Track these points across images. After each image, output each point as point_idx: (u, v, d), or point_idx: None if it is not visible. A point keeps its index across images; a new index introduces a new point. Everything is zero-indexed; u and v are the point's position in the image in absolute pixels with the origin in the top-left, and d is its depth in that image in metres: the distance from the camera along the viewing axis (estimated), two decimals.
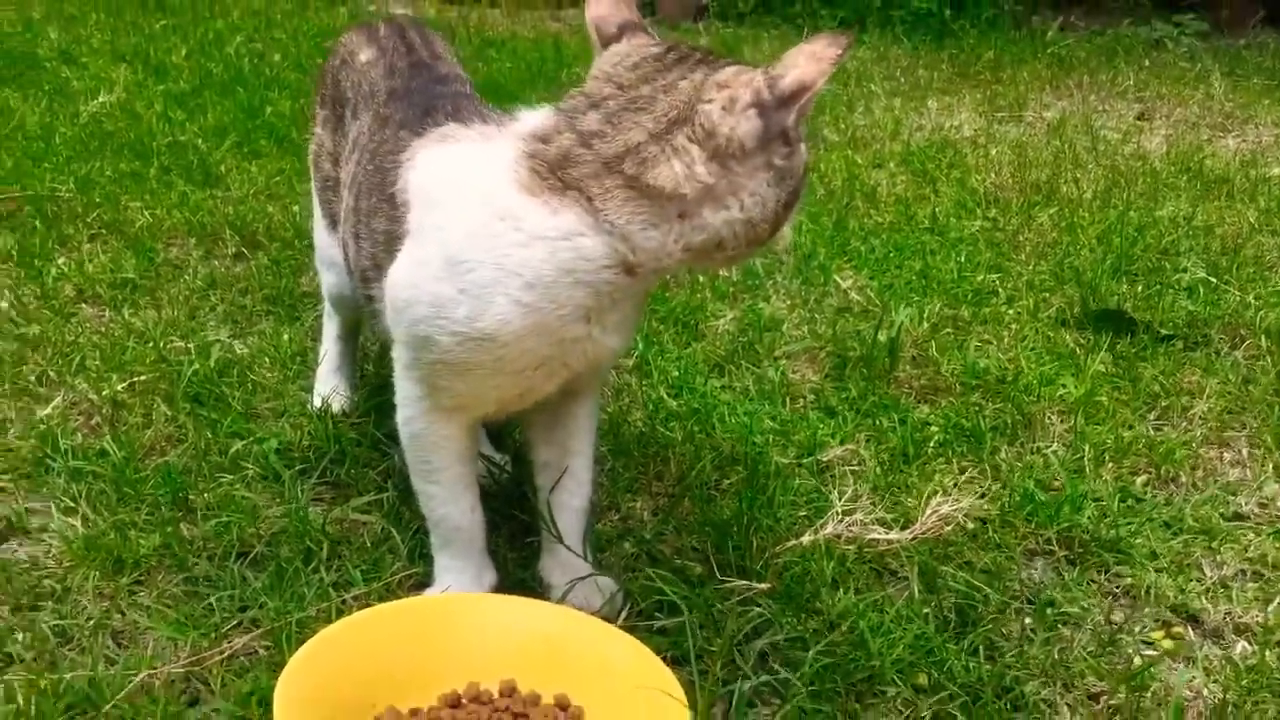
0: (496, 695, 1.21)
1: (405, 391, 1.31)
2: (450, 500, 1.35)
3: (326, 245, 1.69)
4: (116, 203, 2.73)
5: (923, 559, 1.45)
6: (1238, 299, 2.43)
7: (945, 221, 2.96)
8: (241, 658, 1.27)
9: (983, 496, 1.63)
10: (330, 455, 1.65)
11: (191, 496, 1.54)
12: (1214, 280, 2.52)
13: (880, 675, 1.27)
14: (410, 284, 1.22)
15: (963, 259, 2.65)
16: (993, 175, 3.41)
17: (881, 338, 2.06)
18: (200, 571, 1.39)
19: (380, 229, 1.33)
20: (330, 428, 1.69)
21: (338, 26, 5.24)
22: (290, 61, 4.55)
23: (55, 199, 2.72)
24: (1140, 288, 2.49)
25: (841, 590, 1.39)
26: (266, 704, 1.17)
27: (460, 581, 1.35)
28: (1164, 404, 1.98)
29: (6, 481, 1.58)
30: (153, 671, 1.22)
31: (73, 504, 1.51)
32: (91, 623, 1.30)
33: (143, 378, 1.87)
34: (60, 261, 2.39)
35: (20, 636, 1.28)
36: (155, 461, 1.62)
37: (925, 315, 2.26)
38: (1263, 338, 2.21)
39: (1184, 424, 1.91)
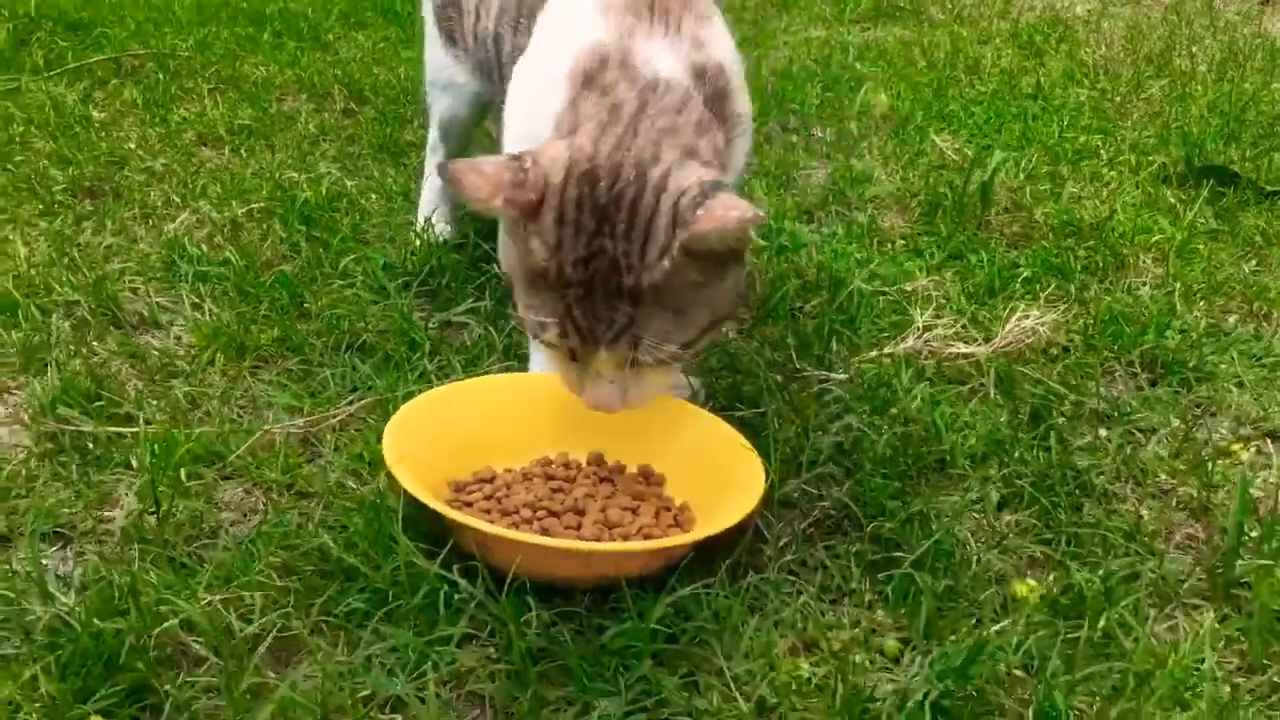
0: (585, 464, 1.29)
1: None
2: None
3: (442, 67, 1.75)
4: (233, 60, 2.84)
5: (1001, 367, 1.48)
6: None
7: (1050, 91, 2.90)
8: (352, 428, 1.38)
9: (1066, 317, 1.64)
10: (430, 267, 1.73)
11: (305, 299, 1.65)
12: None
13: (951, 462, 1.31)
14: None
15: (1065, 123, 2.60)
16: (1103, 49, 3.31)
17: (974, 184, 2.06)
18: (314, 356, 1.50)
19: None
20: (433, 243, 1.78)
21: None
22: None
23: (176, 56, 2.85)
24: (1248, 149, 2.42)
25: (918, 392, 1.43)
26: (375, 463, 1.27)
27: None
28: (1263, 252, 1.95)
29: (139, 283, 1.70)
30: (273, 429, 1.33)
31: (199, 300, 1.63)
32: (218, 393, 1.42)
33: (260, 204, 1.98)
34: (181, 111, 2.51)
35: (155, 403, 1.40)
36: (273, 271, 1.73)
37: (1021, 166, 2.24)
38: None
39: None
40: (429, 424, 1.24)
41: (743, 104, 1.32)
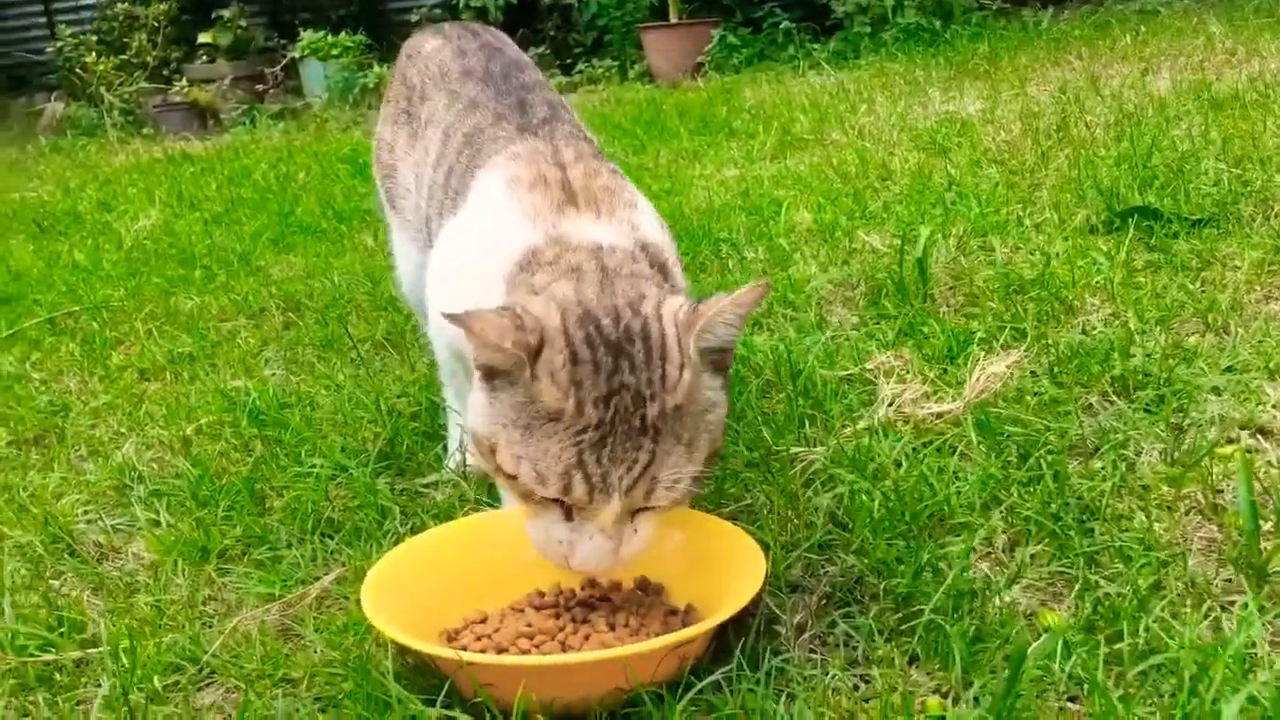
0: (579, 589, 1.23)
1: None
2: None
3: (405, 255, 1.75)
4: (167, 298, 2.86)
5: (978, 414, 1.45)
6: (1263, 179, 2.42)
7: (962, 179, 2.99)
8: (331, 606, 1.31)
9: (1028, 358, 1.63)
10: (389, 440, 1.69)
11: (265, 492, 1.60)
12: (1238, 171, 2.51)
13: (950, 513, 1.27)
14: None
15: (984, 201, 2.67)
16: (1003, 134, 3.44)
17: (910, 262, 2.09)
18: (281, 543, 1.44)
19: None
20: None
21: (356, 145, 5.47)
22: (314, 176, 4.74)
23: (110, 307, 2.85)
24: (1161, 190, 2.49)
25: (900, 454, 1.39)
26: (360, 634, 1.20)
27: None
28: (1203, 274, 1.98)
29: (93, 512, 1.64)
30: (246, 618, 1.25)
31: (155, 516, 1.58)
32: (184, 598, 1.35)
33: (209, 419, 1.94)
34: (120, 356, 2.49)
35: (120, 620, 1.32)
36: (228, 476, 1.68)
37: (950, 243, 2.28)
38: None
39: (1226, 285, 1.90)
40: (411, 576, 1.19)
41: (680, 279, 1.32)
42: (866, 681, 1.04)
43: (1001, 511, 1.27)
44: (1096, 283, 1.99)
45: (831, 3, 7.32)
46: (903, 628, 1.08)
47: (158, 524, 1.57)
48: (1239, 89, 3.55)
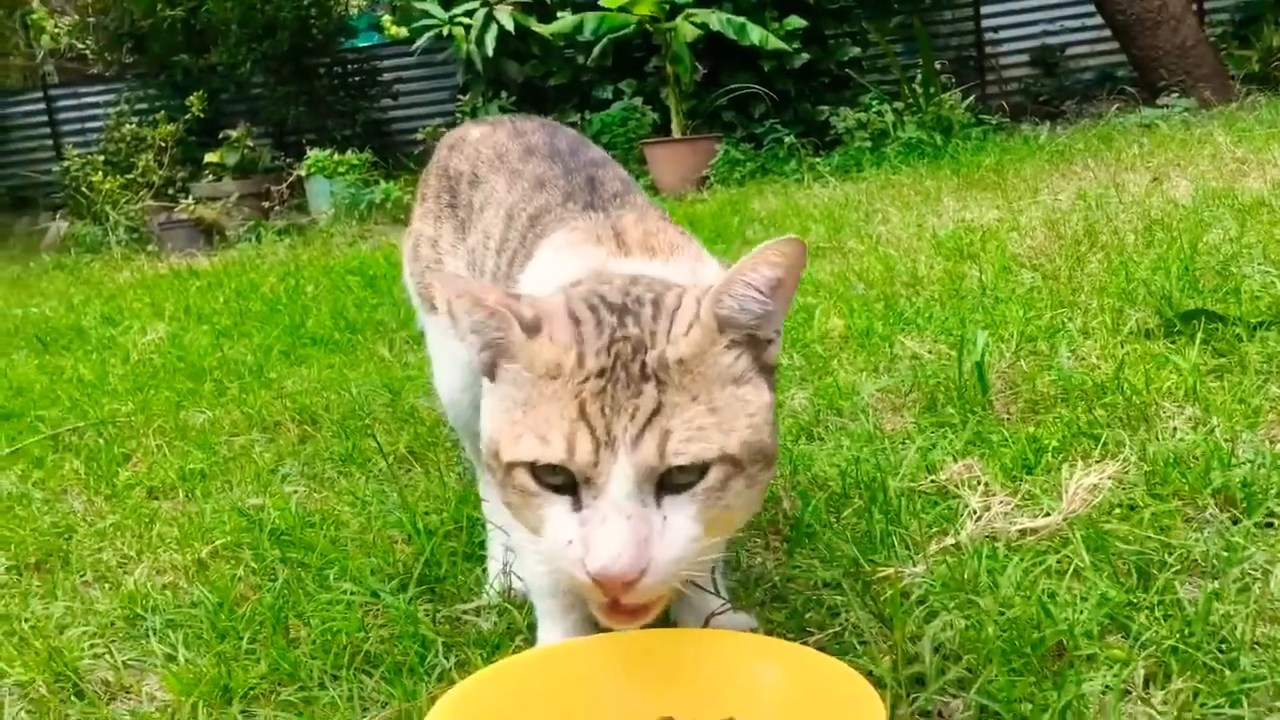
0: None
1: None
2: None
3: (441, 349, 1.62)
4: (176, 412, 2.73)
5: (1086, 532, 1.32)
6: None
7: (994, 285, 2.92)
8: None
9: (1126, 470, 1.51)
10: (425, 561, 1.56)
11: (291, 624, 1.45)
12: None
13: (1072, 642, 1.13)
14: None
15: (1024, 307, 2.59)
16: (1028, 241, 3.39)
17: (968, 366, 1.98)
18: (313, 681, 1.29)
19: None
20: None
21: (364, 260, 5.43)
22: (323, 289, 4.67)
23: (115, 422, 2.73)
24: (1212, 292, 2.41)
25: (1003, 575, 1.26)
26: None
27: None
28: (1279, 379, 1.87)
29: (100, 646, 1.49)
30: None
31: (171, 650, 1.43)
32: None
33: (224, 540, 1.80)
34: (127, 473, 2.36)
35: None
36: (249, 603, 1.54)
37: (1001, 349, 2.18)
38: None
39: None
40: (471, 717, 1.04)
41: None
42: None
43: (1130, 640, 1.13)
44: (1168, 388, 1.88)
45: (831, 118, 7.41)
46: None
47: (174, 659, 1.42)
48: (1264, 195, 3.51)
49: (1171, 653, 1.09)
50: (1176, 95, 6.99)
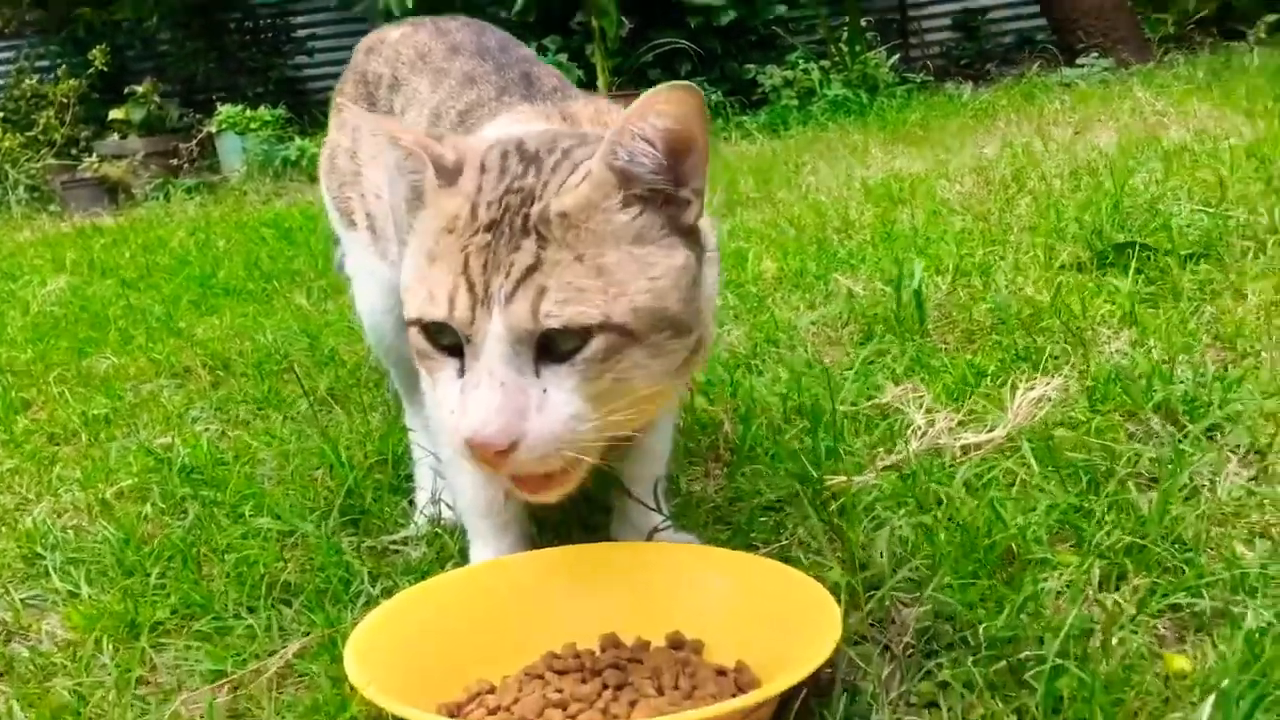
0: (599, 651, 1.02)
1: None
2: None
3: (361, 267, 1.53)
4: (78, 359, 2.59)
5: (1031, 441, 1.29)
6: (1247, 218, 2.35)
7: (926, 228, 2.89)
8: (291, 685, 1.08)
9: (1066, 382, 1.48)
10: (349, 491, 1.47)
11: (205, 554, 1.36)
12: (1213, 211, 2.45)
13: (1024, 548, 1.10)
14: None
15: (957, 245, 2.57)
16: (957, 187, 3.38)
17: (906, 296, 1.95)
18: (227, 612, 1.20)
19: None
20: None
21: (278, 213, 5.25)
22: (235, 243, 4.50)
23: (12, 371, 2.57)
24: (1141, 227, 2.41)
25: (951, 484, 1.22)
26: (333, 714, 0.98)
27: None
28: (1216, 303, 1.87)
29: None
30: (191, 699, 1.02)
31: (74, 587, 1.33)
32: (112, 679, 1.11)
33: (130, 481, 1.69)
34: (25, 420, 2.22)
35: (30, 710, 1.08)
36: (156, 541, 1.44)
37: (939, 278, 2.15)
38: None
39: (1244, 312, 1.79)
40: (398, 639, 0.97)
41: (711, 240, 1.14)
42: None
43: (1083, 545, 1.10)
44: (1103, 314, 1.87)
45: (758, 77, 7.36)
46: (1009, 688, 0.89)
47: (76, 596, 1.32)
48: (1186, 142, 3.55)
49: (1126, 553, 1.06)
50: (1096, 55, 7.07)
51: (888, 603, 1.02)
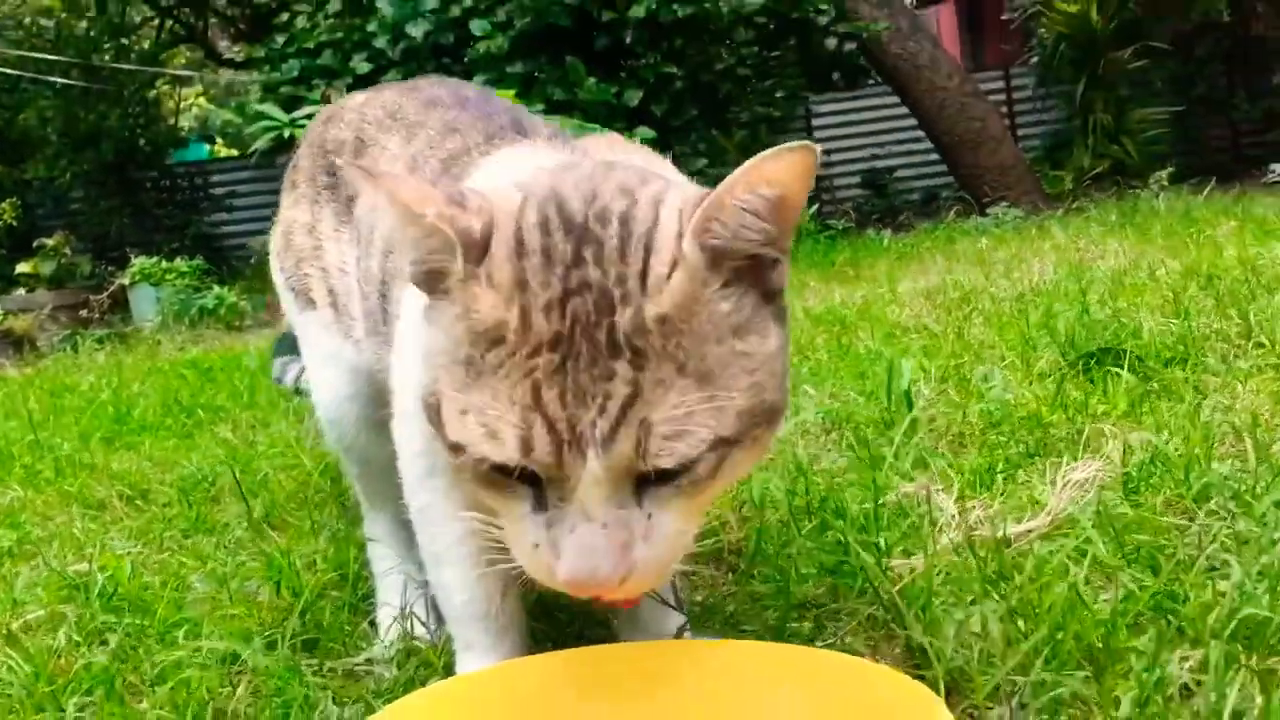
0: None
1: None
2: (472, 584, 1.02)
3: (318, 347, 1.36)
4: None
5: (1093, 519, 1.16)
6: (1217, 326, 2.33)
7: (880, 349, 2.83)
8: None
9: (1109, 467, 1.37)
10: (304, 611, 1.27)
11: (132, 684, 1.14)
12: (1180, 320, 2.42)
13: (1113, 635, 0.96)
14: None
15: (922, 359, 2.49)
16: (908, 310, 3.35)
17: (895, 394, 1.84)
18: None
19: None
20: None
21: (194, 359, 5.03)
22: (151, 385, 4.25)
23: None
24: (1113, 336, 2.37)
25: (1023, 571, 1.08)
26: None
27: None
28: (1215, 398, 1.80)
29: None
30: None
31: None
32: None
33: (40, 612, 1.46)
34: None
35: None
36: (75, 670, 1.21)
37: (916, 384, 2.06)
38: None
39: (1251, 406, 1.72)
40: None
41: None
42: None
43: (1170, 628, 0.96)
44: (1104, 411, 1.78)
45: None
46: None
47: None
48: (1122, 269, 3.60)
49: (1233, 637, 0.92)
50: (1006, 205, 7.33)
51: (978, 701, 0.86)
